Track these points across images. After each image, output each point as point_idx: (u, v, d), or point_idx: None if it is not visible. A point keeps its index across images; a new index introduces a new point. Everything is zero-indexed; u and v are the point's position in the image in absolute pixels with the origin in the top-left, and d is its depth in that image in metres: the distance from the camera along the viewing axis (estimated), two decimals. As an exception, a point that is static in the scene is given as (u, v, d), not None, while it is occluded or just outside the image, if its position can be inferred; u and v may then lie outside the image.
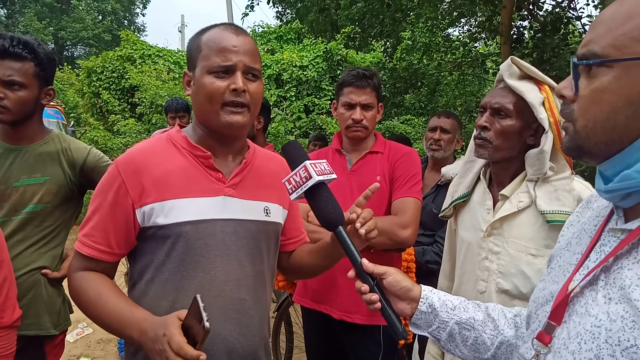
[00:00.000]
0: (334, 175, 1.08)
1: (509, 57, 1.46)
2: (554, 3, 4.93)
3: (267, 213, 1.27)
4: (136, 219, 1.14)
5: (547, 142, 1.38)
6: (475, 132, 1.49)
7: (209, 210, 1.16)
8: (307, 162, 1.05)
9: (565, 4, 4.92)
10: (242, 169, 1.24)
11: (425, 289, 1.00)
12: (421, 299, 0.99)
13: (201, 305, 0.94)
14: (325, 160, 1.11)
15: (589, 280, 0.72)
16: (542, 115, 1.37)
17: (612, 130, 0.69)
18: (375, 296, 0.97)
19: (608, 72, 0.68)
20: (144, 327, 1.04)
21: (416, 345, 2.09)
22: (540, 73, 1.43)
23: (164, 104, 7.51)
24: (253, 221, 1.23)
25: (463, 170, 1.65)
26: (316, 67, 10.19)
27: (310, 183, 1.03)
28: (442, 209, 1.70)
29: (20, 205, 1.67)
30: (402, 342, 2.34)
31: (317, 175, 1.03)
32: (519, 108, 1.40)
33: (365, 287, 0.98)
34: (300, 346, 2.97)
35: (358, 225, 1.09)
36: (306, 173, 1.04)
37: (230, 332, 1.17)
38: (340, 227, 1.04)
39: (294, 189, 1.05)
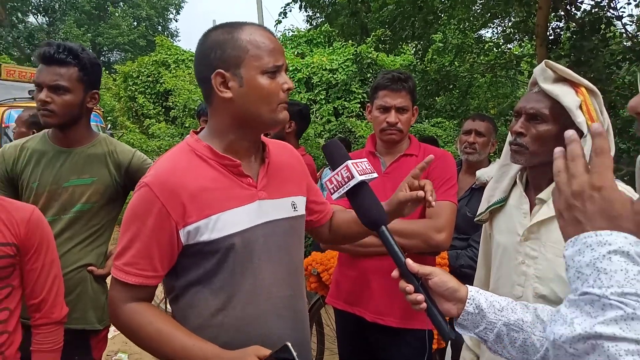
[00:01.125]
0: (375, 175, 1.09)
1: (543, 61, 1.43)
2: (592, 3, 4.79)
3: (294, 208, 1.30)
4: (179, 239, 1.12)
5: (586, 145, 1.35)
6: (510, 138, 1.47)
7: (249, 217, 1.18)
8: (349, 162, 1.05)
9: (605, 4, 4.77)
10: (267, 169, 1.25)
11: (472, 290, 1.00)
12: (468, 300, 0.98)
13: (294, 353, 0.99)
14: (365, 159, 1.11)
15: None
16: (580, 119, 1.34)
17: None
18: (420, 296, 0.97)
19: None
20: None
21: (449, 350, 2.08)
22: (576, 75, 1.39)
23: (196, 107, 7.68)
24: (285, 219, 1.26)
25: (498, 174, 1.63)
26: (346, 70, 10.19)
27: (352, 183, 1.03)
28: (478, 213, 1.68)
29: (69, 204, 1.75)
30: (435, 345, 2.32)
31: (360, 175, 1.03)
32: (555, 112, 1.38)
33: (410, 287, 0.98)
34: (331, 348, 2.98)
35: (430, 198, 1.18)
36: (348, 173, 1.04)
37: (284, 330, 1.21)
38: (384, 227, 1.03)
39: (335, 189, 1.06)
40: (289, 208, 1.28)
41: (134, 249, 1.12)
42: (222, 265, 1.15)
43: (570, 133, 0.73)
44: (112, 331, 3.97)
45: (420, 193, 1.16)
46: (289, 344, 1.02)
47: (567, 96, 1.36)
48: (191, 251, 1.15)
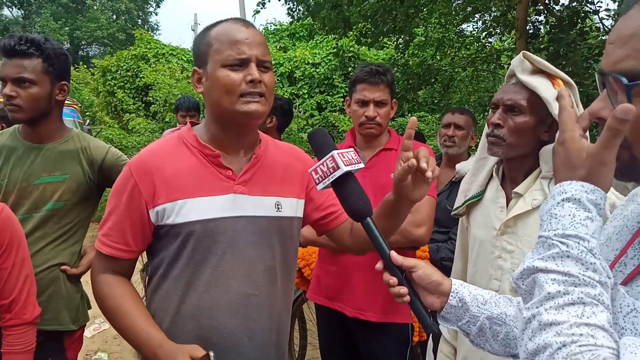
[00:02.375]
0: (362, 165, 1.06)
1: (521, 52, 1.44)
2: (570, -3, 4.85)
3: (278, 208, 1.27)
4: (150, 219, 1.17)
5: None
6: (487, 130, 1.46)
7: (219, 208, 1.18)
8: (335, 152, 1.02)
9: (582, -2, 4.84)
10: (252, 165, 1.24)
11: (456, 283, 0.99)
12: (451, 293, 0.97)
13: None
14: (352, 149, 1.09)
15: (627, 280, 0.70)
16: (557, 111, 1.34)
17: None
18: (404, 289, 0.95)
19: None
20: (158, 354, 1.11)
21: (430, 343, 2.09)
22: (553, 67, 1.40)
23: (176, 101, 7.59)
24: (264, 217, 1.23)
25: (475, 168, 1.62)
26: (328, 64, 10.17)
27: (337, 173, 1.01)
28: (455, 207, 1.68)
29: (41, 202, 1.70)
30: (416, 338, 2.33)
31: (345, 165, 1.01)
32: (533, 104, 1.38)
33: (393, 280, 0.97)
34: (314, 343, 2.98)
35: (424, 165, 1.03)
36: (334, 163, 1.01)
37: (236, 327, 1.19)
38: (369, 219, 1.01)
39: (320, 179, 1.03)
40: (271, 207, 1.25)
41: (110, 222, 1.20)
42: (182, 251, 1.18)
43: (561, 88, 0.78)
44: (92, 330, 3.94)
45: (412, 161, 1.03)
46: (212, 354, 1.05)
47: (545, 88, 1.36)
48: (161, 232, 1.19)
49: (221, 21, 1.22)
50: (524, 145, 1.41)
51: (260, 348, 1.23)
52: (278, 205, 1.27)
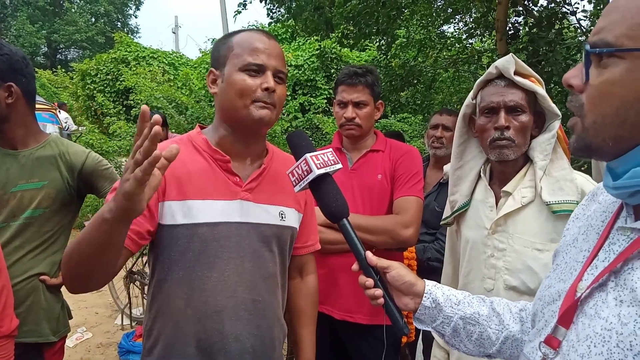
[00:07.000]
0: (339, 165, 1.07)
1: (510, 54, 1.44)
2: (548, -2, 4.93)
3: (282, 217, 1.30)
4: (157, 213, 1.15)
5: (555, 126, 1.41)
6: (492, 135, 1.42)
7: (226, 213, 1.20)
8: (308, 155, 1.03)
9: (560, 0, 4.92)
10: (260, 174, 1.27)
11: (429, 284, 1.00)
12: (425, 294, 0.98)
13: None
14: (330, 150, 1.09)
15: (599, 282, 0.70)
16: (552, 104, 1.40)
17: (621, 125, 0.66)
18: (378, 291, 0.96)
19: (619, 63, 0.65)
20: (111, 208, 0.89)
21: (420, 345, 2.09)
22: (527, 67, 1.43)
23: (158, 104, 7.48)
24: (268, 225, 1.26)
25: (455, 178, 1.60)
26: (311, 66, 10.18)
27: (311, 177, 1.02)
28: (443, 218, 1.68)
29: (19, 210, 1.63)
30: (404, 339, 2.32)
31: (318, 168, 1.02)
32: (528, 102, 1.41)
33: (369, 282, 0.97)
34: (302, 347, 2.95)
35: None
36: (307, 166, 1.03)
37: (241, 332, 1.20)
38: (345, 220, 1.02)
39: (297, 182, 1.05)
40: (276, 216, 1.28)
41: None
42: (187, 252, 1.16)
43: None
44: (74, 340, 3.84)
45: None
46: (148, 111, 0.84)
47: (535, 86, 1.40)
48: (165, 231, 1.17)
49: (245, 30, 1.27)
50: (527, 143, 1.43)
51: (262, 353, 1.24)
52: (282, 214, 1.30)
